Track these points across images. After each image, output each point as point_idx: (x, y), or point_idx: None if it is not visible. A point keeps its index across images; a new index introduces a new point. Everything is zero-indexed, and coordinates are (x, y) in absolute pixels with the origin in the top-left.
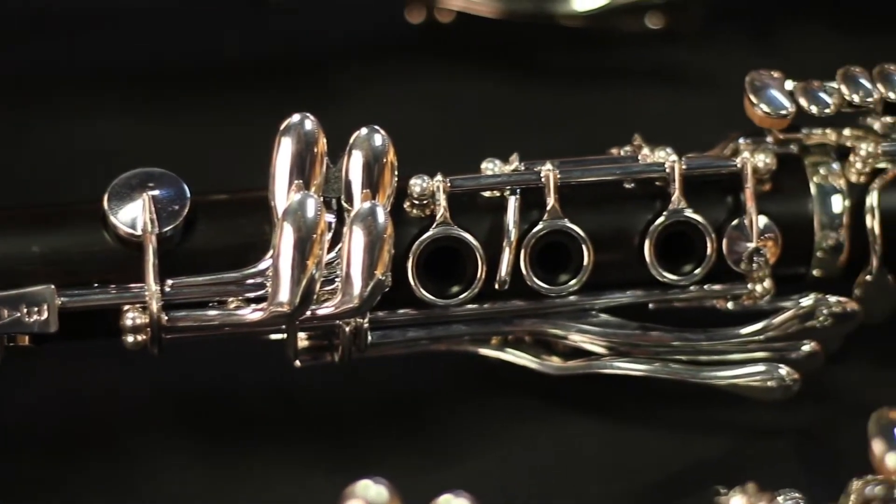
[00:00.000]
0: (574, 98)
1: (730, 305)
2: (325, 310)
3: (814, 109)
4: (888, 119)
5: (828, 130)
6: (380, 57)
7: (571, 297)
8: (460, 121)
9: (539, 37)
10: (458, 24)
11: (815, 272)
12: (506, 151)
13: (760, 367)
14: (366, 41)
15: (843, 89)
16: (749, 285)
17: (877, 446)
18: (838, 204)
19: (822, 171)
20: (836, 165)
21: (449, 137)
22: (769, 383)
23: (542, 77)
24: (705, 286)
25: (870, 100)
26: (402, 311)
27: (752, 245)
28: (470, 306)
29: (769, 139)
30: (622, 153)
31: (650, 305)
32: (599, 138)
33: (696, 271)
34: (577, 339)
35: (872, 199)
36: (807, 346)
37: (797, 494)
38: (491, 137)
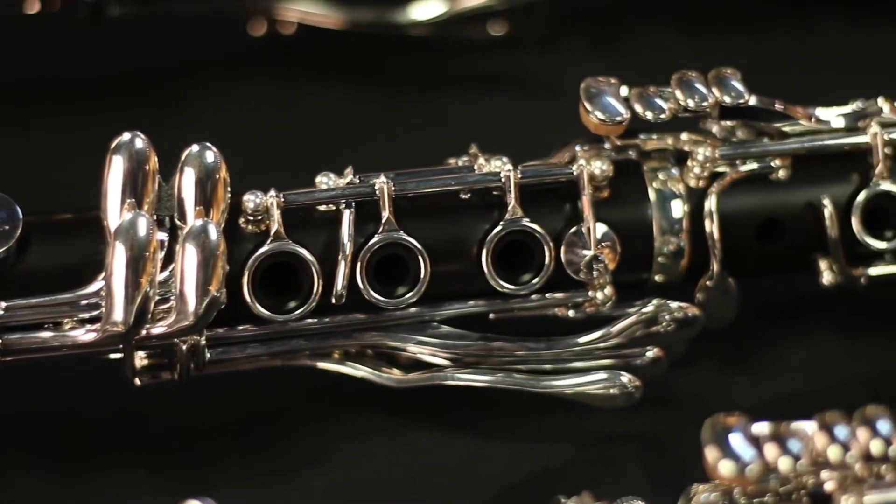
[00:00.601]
0: (418, 108)
1: (571, 313)
2: (159, 328)
3: (649, 115)
4: (727, 123)
5: (666, 136)
6: (221, 71)
7: (411, 310)
8: (304, 133)
9: (382, 47)
10: (300, 36)
11: (657, 278)
12: (350, 163)
13: (602, 375)
14: (207, 56)
15: (679, 95)
16: (590, 293)
17: (710, 454)
18: (678, 209)
19: (661, 176)
20: (675, 170)
21: (293, 150)
22: (611, 391)
23: (386, 87)
24: (547, 295)
25: (705, 104)
26: (241, 327)
27: (590, 253)
28: (309, 321)
29: (607, 146)
30: (460, 163)
31: (491, 316)
32: (444, 148)
33: (535, 280)
34: (419, 351)
35: (711, 203)
36: (650, 353)
37: (638, 502)
38: (335, 149)
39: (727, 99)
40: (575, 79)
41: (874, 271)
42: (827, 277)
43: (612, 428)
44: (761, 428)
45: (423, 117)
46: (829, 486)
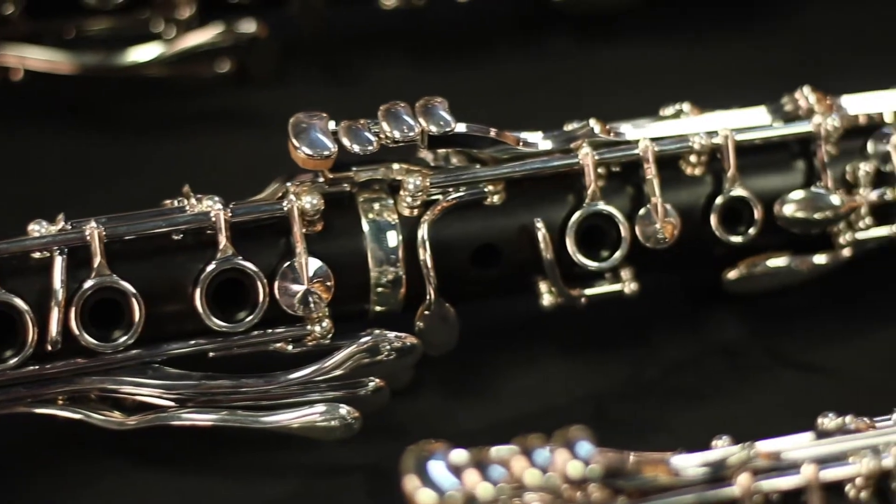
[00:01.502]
0: (146, 149)
1: (290, 348)
2: None
3: (357, 148)
4: (442, 151)
5: (380, 167)
6: None
7: (131, 352)
8: (35, 180)
9: (110, 90)
10: (28, 82)
11: (377, 308)
12: (74, 208)
13: (321, 408)
14: None
15: (385, 126)
16: (308, 327)
17: (409, 483)
18: (393, 239)
19: (376, 207)
20: (390, 201)
21: (9, 198)
22: (332, 423)
23: (113, 131)
24: (268, 330)
25: (412, 134)
26: None
27: (303, 287)
28: (30, 368)
29: (321, 179)
30: (175, 204)
31: (210, 354)
32: (171, 189)
33: (249, 318)
34: (141, 393)
35: (423, 231)
36: (372, 383)
37: None
38: (57, 196)
39: (434, 128)
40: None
41: (592, 291)
42: (547, 299)
43: (340, 459)
44: (461, 455)
45: (150, 159)
46: None
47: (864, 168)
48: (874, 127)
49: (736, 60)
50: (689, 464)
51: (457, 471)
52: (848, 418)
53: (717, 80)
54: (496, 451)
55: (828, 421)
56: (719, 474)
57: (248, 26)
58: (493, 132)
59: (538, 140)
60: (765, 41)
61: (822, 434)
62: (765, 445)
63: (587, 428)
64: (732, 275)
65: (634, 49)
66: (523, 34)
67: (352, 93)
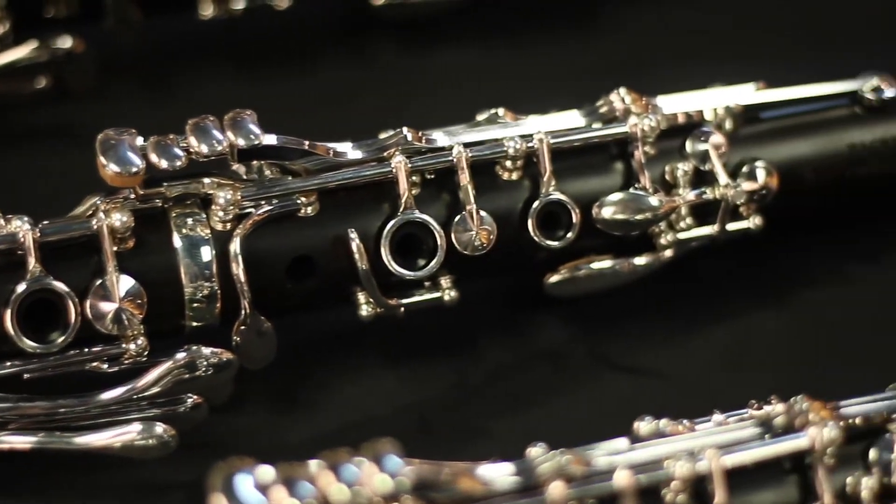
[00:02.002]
0: None
1: (106, 367)
2: None
3: (165, 164)
4: (256, 163)
5: (192, 182)
6: None
7: None
8: None
9: None
10: None
11: (194, 324)
12: None
13: (138, 427)
14: None
15: (193, 141)
16: (123, 345)
17: (215, 501)
18: (207, 253)
19: (189, 222)
20: (203, 216)
21: None
22: (149, 441)
23: None
24: (83, 350)
25: (220, 148)
26: None
27: (115, 306)
28: None
29: (133, 196)
30: None
31: (25, 376)
32: None
33: (62, 339)
34: None
35: (236, 245)
36: (190, 400)
37: None
38: None
39: (242, 141)
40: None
41: (411, 300)
42: (365, 310)
43: (160, 478)
44: (268, 472)
45: None
46: None
47: (683, 168)
48: (693, 126)
49: (557, 63)
50: (501, 473)
51: (264, 488)
52: (663, 422)
53: (539, 83)
54: (303, 466)
55: (644, 425)
56: (531, 483)
57: (64, 42)
58: (306, 144)
59: (347, 150)
60: (585, 43)
61: (637, 439)
62: (578, 452)
63: (396, 440)
64: (554, 279)
65: (457, 53)
66: (344, 41)
67: (173, 105)
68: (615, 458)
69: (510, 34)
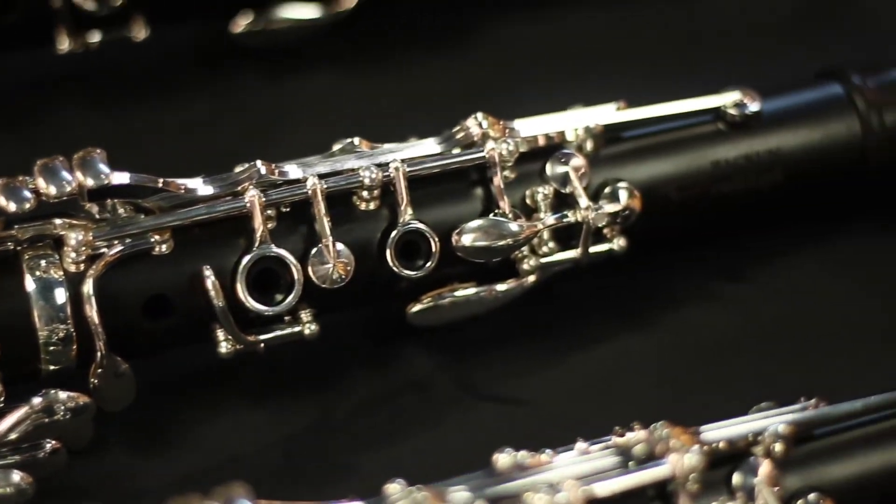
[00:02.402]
0: None
1: None
2: None
3: (13, 207)
4: (109, 202)
5: (44, 223)
6: None
7: None
8: None
9: None
10: None
11: (51, 367)
12: None
13: None
14: None
15: (41, 182)
16: None
17: None
18: (61, 295)
19: (42, 264)
20: (56, 257)
21: None
22: (6, 490)
23: None
24: None
25: (69, 189)
26: None
27: None
28: None
29: None
30: None
31: None
32: None
33: None
34: None
35: (88, 287)
36: (48, 445)
37: None
38: None
39: (91, 181)
40: None
41: (270, 336)
42: (224, 347)
43: None
44: None
45: None
46: None
47: (543, 191)
48: (554, 148)
49: (421, 89)
50: None
51: None
52: (521, 454)
53: (401, 110)
54: None
55: (503, 457)
56: None
57: None
58: (160, 181)
59: (199, 186)
60: (447, 69)
61: (495, 472)
62: (435, 488)
63: (250, 483)
64: (416, 308)
65: (319, 80)
66: (203, 71)
67: (32, 143)
68: (472, 493)
69: (370, 60)
